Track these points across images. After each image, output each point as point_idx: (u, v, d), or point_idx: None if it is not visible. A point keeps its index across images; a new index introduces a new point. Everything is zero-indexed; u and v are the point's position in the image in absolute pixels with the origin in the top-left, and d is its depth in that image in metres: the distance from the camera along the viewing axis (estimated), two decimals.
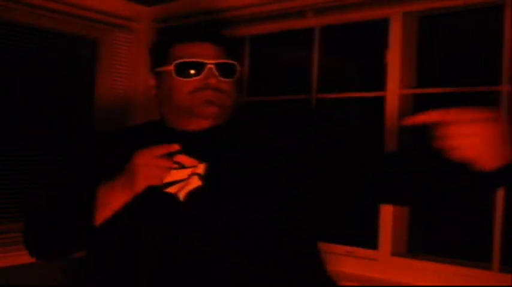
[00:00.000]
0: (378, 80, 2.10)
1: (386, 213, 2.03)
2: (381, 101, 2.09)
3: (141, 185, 1.14)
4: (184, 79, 1.20)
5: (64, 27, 2.45)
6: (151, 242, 1.16)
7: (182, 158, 1.19)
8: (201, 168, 1.18)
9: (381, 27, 2.09)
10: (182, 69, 1.20)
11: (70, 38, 2.52)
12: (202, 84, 1.19)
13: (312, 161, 1.21)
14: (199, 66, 1.19)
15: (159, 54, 1.27)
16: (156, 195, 1.17)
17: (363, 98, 2.33)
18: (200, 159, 1.19)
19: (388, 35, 2.06)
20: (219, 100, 1.20)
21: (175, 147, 1.14)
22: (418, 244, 2.14)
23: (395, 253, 2.03)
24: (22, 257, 2.19)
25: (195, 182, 1.17)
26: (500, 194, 1.82)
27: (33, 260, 1.28)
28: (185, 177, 1.18)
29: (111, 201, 1.16)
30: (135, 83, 2.71)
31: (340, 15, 2.14)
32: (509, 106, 1.83)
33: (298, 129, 1.26)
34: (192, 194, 1.16)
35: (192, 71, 1.19)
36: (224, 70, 1.21)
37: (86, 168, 1.29)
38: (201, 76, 1.19)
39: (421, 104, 2.10)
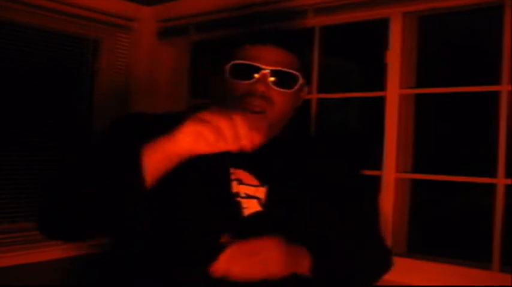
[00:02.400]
0: (378, 80, 2.10)
1: (387, 213, 2.03)
2: (381, 101, 2.09)
3: (183, 142, 0.97)
4: (236, 81, 1.12)
5: (64, 27, 2.45)
6: (195, 248, 1.09)
7: (242, 174, 1.14)
8: (261, 192, 1.14)
9: (381, 27, 2.10)
10: (236, 71, 1.13)
11: (70, 38, 2.52)
12: (251, 89, 1.11)
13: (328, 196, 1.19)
14: (253, 70, 1.11)
15: (224, 53, 1.19)
16: (219, 197, 1.12)
17: (363, 98, 2.33)
18: (255, 175, 1.14)
19: (388, 35, 2.06)
20: (266, 111, 1.11)
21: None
22: (418, 244, 2.14)
23: (395, 253, 2.02)
24: (22, 257, 2.20)
25: (255, 207, 1.13)
26: (500, 194, 1.82)
27: (32, 260, 1.25)
28: (243, 195, 1.14)
29: (150, 160, 0.98)
30: (135, 83, 2.71)
31: (340, 15, 2.14)
32: (509, 106, 1.83)
33: (337, 167, 1.23)
34: (251, 216, 1.13)
35: (245, 74, 1.11)
36: (281, 79, 1.11)
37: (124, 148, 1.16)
38: (251, 81, 1.11)
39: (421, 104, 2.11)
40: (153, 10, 2.71)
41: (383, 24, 2.08)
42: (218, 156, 1.07)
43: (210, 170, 1.14)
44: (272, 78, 1.11)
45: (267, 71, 1.11)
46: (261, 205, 1.14)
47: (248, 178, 1.15)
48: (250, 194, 1.14)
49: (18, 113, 2.36)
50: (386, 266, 1.30)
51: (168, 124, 1.02)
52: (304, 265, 1.08)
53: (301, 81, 1.15)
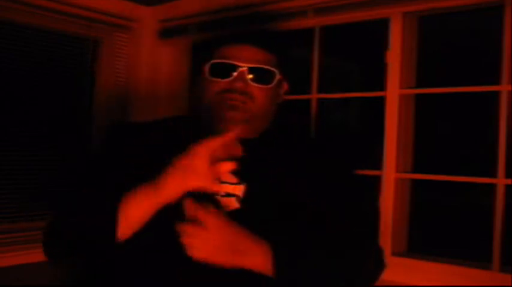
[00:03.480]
0: (378, 80, 2.10)
1: (387, 213, 2.04)
2: (381, 101, 2.09)
3: (170, 188, 1.05)
4: (215, 79, 1.17)
5: (64, 27, 2.45)
6: (175, 258, 1.09)
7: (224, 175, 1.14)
8: (239, 190, 1.15)
9: (381, 27, 2.10)
10: (215, 70, 1.18)
11: (70, 38, 2.52)
12: (230, 86, 1.15)
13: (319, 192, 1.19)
14: (231, 68, 1.16)
15: (204, 54, 1.23)
16: (197, 196, 1.11)
17: (363, 98, 2.33)
18: (236, 174, 1.15)
19: (388, 35, 2.06)
20: (245, 106, 1.16)
21: (230, 136, 1.07)
22: (418, 244, 2.14)
23: (395, 253, 2.03)
24: (22, 257, 2.20)
25: (233, 204, 1.15)
26: (500, 194, 1.82)
27: (32, 260, 1.26)
28: (222, 193, 1.15)
29: (131, 213, 1.06)
30: (135, 83, 2.71)
31: (340, 15, 2.14)
32: (509, 106, 1.83)
33: (325, 166, 1.23)
34: (229, 214, 1.12)
35: (224, 73, 1.16)
36: (259, 75, 1.16)
37: (116, 161, 1.22)
38: (230, 78, 1.15)
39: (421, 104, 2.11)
40: (153, 10, 2.71)
41: (383, 24, 2.08)
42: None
43: None
44: (250, 75, 1.16)
45: (245, 68, 1.15)
46: (239, 202, 1.15)
47: (228, 176, 1.15)
48: (229, 192, 1.16)
49: (18, 113, 2.37)
50: (376, 267, 1.26)
51: (154, 132, 1.14)
52: (257, 260, 1.07)
53: (278, 77, 1.20)
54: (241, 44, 1.18)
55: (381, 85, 2.09)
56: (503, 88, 1.83)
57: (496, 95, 1.86)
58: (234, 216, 1.12)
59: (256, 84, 1.16)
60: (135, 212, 1.07)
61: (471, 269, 1.86)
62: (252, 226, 1.11)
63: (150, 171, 1.11)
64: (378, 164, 2.07)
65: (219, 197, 1.15)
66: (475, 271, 1.85)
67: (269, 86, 1.18)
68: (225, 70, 1.16)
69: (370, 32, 2.28)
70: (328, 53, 2.32)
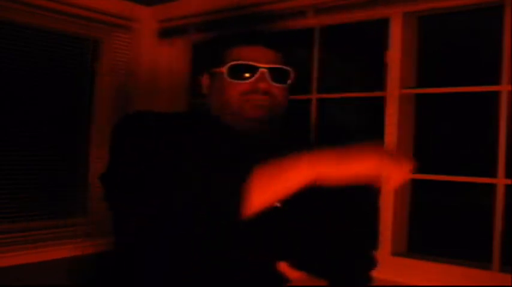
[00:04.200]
0: (378, 80, 2.10)
1: (387, 213, 2.04)
2: (381, 101, 2.09)
3: (300, 173, 1.03)
4: (236, 81, 1.19)
5: (64, 27, 2.45)
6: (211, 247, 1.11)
7: None
8: None
9: (381, 27, 2.10)
10: (235, 72, 1.20)
11: (70, 38, 2.52)
12: (253, 87, 1.19)
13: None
14: (251, 70, 1.19)
15: (214, 55, 1.26)
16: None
17: (363, 98, 2.33)
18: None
19: (388, 35, 2.06)
20: (269, 105, 1.19)
21: None
22: (418, 244, 2.14)
23: (395, 253, 2.03)
24: (22, 257, 2.20)
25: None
26: (500, 194, 1.82)
27: (32, 260, 1.24)
28: None
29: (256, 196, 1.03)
30: (135, 83, 2.71)
31: (340, 15, 2.14)
32: (509, 106, 1.83)
33: None
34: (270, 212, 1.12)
35: (245, 74, 1.19)
36: (277, 75, 1.21)
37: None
38: (252, 79, 1.19)
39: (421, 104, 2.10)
40: (153, 10, 2.71)
41: (383, 24, 2.08)
42: (234, 152, 1.15)
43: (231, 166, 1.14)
44: (272, 77, 1.20)
45: (265, 69, 1.19)
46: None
47: None
48: None
49: (18, 113, 2.37)
50: (367, 267, 1.30)
51: (175, 125, 1.12)
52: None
53: (293, 75, 1.24)
54: (254, 45, 1.22)
55: (381, 85, 2.09)
56: (503, 88, 1.83)
57: (496, 95, 1.86)
58: (277, 215, 1.13)
59: (276, 84, 1.20)
60: (260, 195, 1.04)
61: (471, 269, 1.86)
62: (290, 224, 1.15)
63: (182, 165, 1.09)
64: None
65: None
66: (475, 271, 1.85)
67: (288, 84, 1.23)
68: (245, 71, 1.19)
69: (370, 32, 2.28)
70: (328, 53, 2.32)
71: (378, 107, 2.10)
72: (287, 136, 1.30)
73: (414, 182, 2.10)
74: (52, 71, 2.47)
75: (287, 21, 2.27)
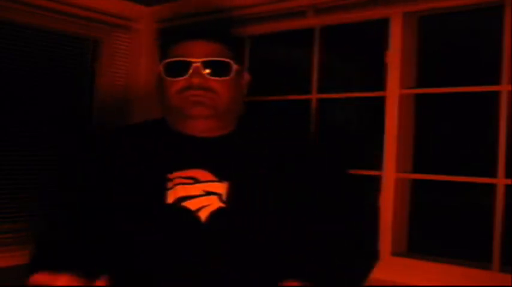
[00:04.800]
0: (378, 80, 2.10)
1: (387, 213, 2.04)
2: (381, 101, 2.09)
3: None
4: (171, 79, 1.16)
5: (64, 27, 2.45)
6: (162, 256, 1.09)
7: (198, 173, 1.14)
8: (221, 188, 1.13)
9: (381, 27, 2.10)
10: (170, 69, 1.17)
11: (70, 38, 2.52)
12: (188, 83, 1.14)
13: (304, 186, 1.19)
14: (185, 66, 1.14)
15: (160, 54, 1.24)
16: (172, 209, 1.11)
17: (363, 98, 2.33)
18: (213, 172, 1.14)
19: (388, 35, 2.06)
20: (209, 100, 1.14)
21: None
22: (418, 244, 2.14)
23: (395, 253, 2.03)
24: (22, 257, 2.20)
25: (216, 203, 1.12)
26: (500, 194, 1.82)
27: None
28: (199, 193, 1.12)
29: None
30: (135, 83, 2.71)
31: (340, 15, 2.14)
32: (509, 106, 1.83)
33: (303, 154, 1.22)
34: (214, 213, 1.11)
35: (179, 71, 1.15)
36: (215, 69, 1.15)
37: (87, 171, 1.22)
38: (186, 76, 1.14)
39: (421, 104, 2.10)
40: (153, 10, 2.71)
41: (383, 24, 2.08)
42: (158, 161, 1.14)
43: (147, 177, 1.15)
44: (207, 70, 1.14)
45: (198, 63, 1.14)
46: (222, 201, 1.13)
47: (205, 175, 1.14)
48: (209, 191, 1.13)
49: (18, 113, 2.37)
50: (369, 264, 1.27)
51: (130, 139, 1.15)
52: None
53: (235, 67, 1.18)
54: (192, 40, 1.17)
55: (381, 85, 2.09)
56: (503, 88, 1.83)
57: (496, 95, 1.86)
58: (219, 215, 1.11)
59: (214, 78, 1.15)
60: None
61: (471, 269, 1.86)
62: (240, 225, 1.11)
63: (119, 178, 1.14)
64: (378, 164, 2.07)
65: (193, 199, 1.13)
66: (475, 271, 1.85)
67: (227, 77, 1.17)
68: (180, 68, 1.15)
69: (370, 32, 2.28)
70: (328, 53, 2.32)
71: (377, 107, 2.10)
72: (253, 134, 1.25)
73: (414, 182, 2.10)
74: (52, 71, 2.47)
75: (287, 21, 2.27)
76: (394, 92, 2.04)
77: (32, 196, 2.38)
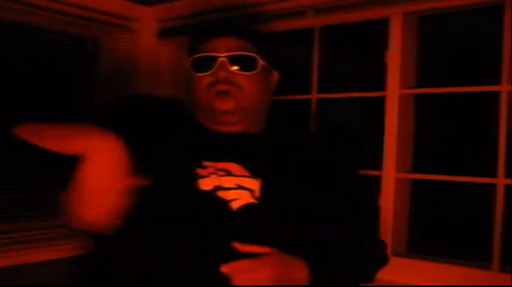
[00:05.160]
0: (378, 80, 2.10)
1: (387, 213, 2.04)
2: (381, 101, 2.09)
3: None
4: (200, 74, 1.18)
5: (64, 27, 2.45)
6: (190, 241, 1.09)
7: (231, 166, 1.15)
8: (254, 184, 1.13)
9: (381, 27, 2.10)
10: (197, 65, 1.18)
11: (70, 38, 2.52)
12: (215, 77, 1.16)
13: (334, 189, 1.21)
14: (211, 61, 1.16)
15: (188, 52, 1.25)
16: (207, 195, 1.12)
17: (363, 98, 2.33)
18: (246, 167, 1.15)
19: (388, 35, 2.06)
20: (235, 94, 1.15)
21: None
22: (418, 244, 2.14)
23: (395, 253, 2.03)
24: (22, 257, 2.20)
25: (247, 198, 1.13)
26: (500, 194, 1.82)
27: (32, 260, 1.24)
28: (232, 185, 1.13)
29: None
30: (135, 83, 2.71)
31: (340, 15, 2.14)
32: (509, 106, 1.83)
33: (333, 155, 1.25)
34: (243, 207, 1.12)
35: (205, 66, 1.17)
36: (241, 63, 1.16)
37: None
38: (213, 70, 1.16)
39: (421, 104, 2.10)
40: (153, 10, 2.71)
41: (383, 24, 2.08)
42: (189, 151, 1.14)
43: (179, 165, 1.15)
44: (233, 66, 1.16)
45: (224, 58, 1.15)
46: (254, 197, 1.13)
47: (238, 169, 1.15)
48: (242, 185, 1.14)
49: (18, 113, 2.36)
50: (383, 262, 1.31)
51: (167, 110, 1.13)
52: (301, 278, 1.10)
53: (261, 62, 1.19)
54: (219, 37, 1.19)
55: (381, 85, 2.09)
56: (503, 88, 1.83)
57: (496, 95, 1.86)
58: (250, 209, 1.11)
59: (240, 72, 1.16)
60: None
61: (471, 269, 1.86)
62: (270, 223, 1.12)
63: (144, 168, 1.09)
64: (378, 164, 2.07)
65: (224, 192, 1.13)
66: (475, 271, 1.85)
67: (253, 72, 1.18)
68: (207, 64, 1.16)
69: (370, 32, 2.28)
70: (328, 53, 2.32)
71: (378, 107, 2.10)
72: (284, 133, 1.26)
73: (414, 182, 2.10)
74: (52, 71, 2.47)
75: (287, 21, 2.27)
76: (394, 92, 2.04)
77: (32, 196, 2.37)
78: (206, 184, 1.12)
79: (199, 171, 1.14)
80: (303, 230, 1.14)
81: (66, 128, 1.03)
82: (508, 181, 1.81)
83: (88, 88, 2.61)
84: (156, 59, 2.75)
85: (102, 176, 0.95)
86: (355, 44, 2.41)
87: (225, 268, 1.04)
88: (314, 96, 2.27)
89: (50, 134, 1.01)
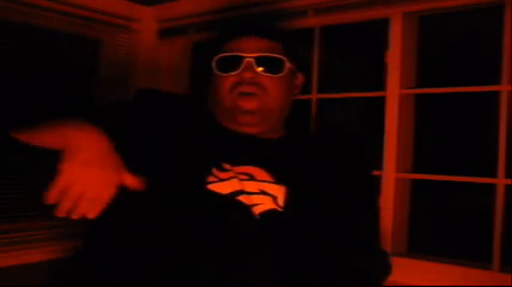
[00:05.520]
0: (378, 80, 2.10)
1: (387, 213, 2.03)
2: (381, 101, 2.09)
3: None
4: (224, 74, 1.14)
5: (64, 27, 2.45)
6: (208, 244, 1.05)
7: (254, 171, 1.11)
8: (278, 190, 1.10)
9: (381, 27, 2.10)
10: (222, 65, 1.14)
11: (70, 38, 2.52)
12: (240, 78, 1.12)
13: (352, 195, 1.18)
14: (237, 61, 1.12)
15: (211, 51, 1.21)
16: (227, 200, 1.08)
17: (363, 98, 2.33)
18: (270, 173, 1.11)
19: (388, 35, 2.06)
20: (260, 96, 1.12)
21: None
22: (418, 244, 2.14)
23: (395, 253, 2.03)
24: (22, 257, 2.20)
25: (269, 204, 1.09)
26: (500, 194, 1.82)
27: (32, 260, 1.24)
28: (255, 190, 1.10)
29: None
30: (135, 83, 2.70)
31: (340, 15, 2.14)
32: (509, 106, 1.83)
33: (350, 162, 1.23)
34: (265, 213, 1.09)
35: (231, 66, 1.13)
36: (268, 65, 1.13)
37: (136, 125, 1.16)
38: (238, 70, 1.12)
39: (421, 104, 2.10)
40: (153, 10, 2.71)
41: (383, 24, 2.08)
42: (208, 152, 1.10)
43: (198, 166, 1.11)
44: (259, 67, 1.12)
45: (251, 58, 1.11)
46: (277, 203, 1.10)
47: (261, 174, 1.12)
48: (266, 191, 1.10)
49: (18, 114, 2.36)
50: (387, 272, 1.29)
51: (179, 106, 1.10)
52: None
53: (288, 65, 1.16)
54: (245, 37, 1.15)
55: (381, 85, 2.09)
56: (503, 88, 1.83)
57: (496, 95, 1.86)
58: (272, 216, 1.08)
59: (266, 74, 1.13)
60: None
61: (471, 269, 1.86)
62: (293, 231, 1.08)
63: (172, 155, 1.08)
64: (378, 164, 2.07)
65: (248, 195, 1.09)
66: (475, 271, 1.85)
67: (280, 75, 1.14)
68: (233, 64, 1.13)
69: (370, 32, 2.28)
70: (328, 53, 2.32)
71: (378, 107, 2.10)
72: (306, 139, 1.24)
73: (414, 182, 2.10)
74: (52, 72, 2.47)
75: (287, 21, 2.27)
76: (394, 92, 2.04)
77: (32, 196, 2.37)
78: (226, 187, 1.09)
79: (218, 173, 1.10)
80: (325, 240, 1.10)
81: (49, 123, 1.02)
82: (508, 181, 1.81)
83: (88, 88, 2.60)
84: (156, 59, 2.75)
85: (80, 166, 0.95)
86: (355, 44, 2.41)
87: None
88: (314, 96, 2.27)
89: (35, 129, 1.00)
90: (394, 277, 1.97)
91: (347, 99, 2.39)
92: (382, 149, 2.06)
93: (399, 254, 2.03)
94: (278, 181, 1.12)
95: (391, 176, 2.03)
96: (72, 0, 2.39)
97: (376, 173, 2.07)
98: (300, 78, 1.26)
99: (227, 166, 1.11)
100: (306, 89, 2.30)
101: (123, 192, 1.04)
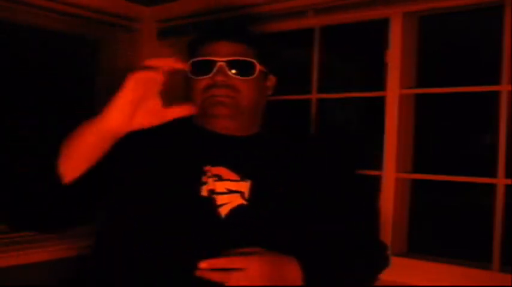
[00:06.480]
0: (378, 80, 2.10)
1: (387, 213, 2.03)
2: (381, 101, 2.09)
3: (114, 118, 1.05)
4: (197, 78, 1.19)
5: (64, 27, 2.45)
6: (179, 247, 1.11)
7: (221, 171, 1.16)
8: (243, 186, 1.16)
9: (381, 27, 2.10)
10: (196, 68, 1.20)
11: (70, 38, 2.52)
12: (212, 81, 1.17)
13: (322, 191, 1.21)
14: (210, 65, 1.18)
15: (187, 55, 1.27)
16: (193, 199, 1.14)
17: (363, 98, 2.33)
18: (236, 171, 1.17)
19: (388, 35, 2.06)
20: (230, 100, 1.17)
21: None
22: (418, 244, 2.14)
23: (395, 253, 2.03)
24: (22, 257, 2.20)
25: (237, 200, 1.15)
26: (500, 194, 1.82)
27: (32, 260, 1.26)
28: (223, 190, 1.15)
29: (74, 149, 1.08)
30: None
31: (340, 15, 2.14)
32: (509, 106, 1.83)
33: (322, 157, 1.26)
34: (233, 210, 1.14)
35: (204, 70, 1.18)
36: (239, 68, 1.18)
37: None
38: (211, 74, 1.17)
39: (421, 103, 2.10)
40: (153, 10, 2.71)
41: (383, 24, 2.08)
42: (190, 155, 1.15)
43: (179, 169, 1.17)
44: (232, 70, 1.17)
45: (223, 62, 1.17)
46: (245, 199, 1.15)
47: (228, 173, 1.17)
48: (232, 189, 1.15)
49: (18, 113, 2.36)
50: (384, 264, 1.31)
51: (156, 131, 1.10)
52: (294, 277, 1.10)
53: (259, 68, 1.20)
54: (218, 41, 1.20)
55: (381, 85, 2.09)
56: (503, 88, 1.83)
57: (496, 95, 1.86)
58: (239, 211, 1.13)
59: (237, 77, 1.17)
60: (78, 147, 1.09)
61: (471, 269, 1.86)
62: (259, 222, 1.13)
63: (144, 170, 1.14)
64: (378, 164, 2.07)
65: (215, 196, 1.15)
66: (475, 271, 1.85)
67: (251, 77, 1.19)
68: (206, 67, 1.18)
69: (370, 32, 2.29)
70: (328, 53, 2.32)
71: (378, 107, 2.10)
72: (277, 136, 1.27)
73: (414, 182, 2.10)
74: (52, 72, 2.47)
75: (287, 21, 2.27)
76: (394, 92, 2.04)
77: None
78: (204, 189, 1.15)
79: (202, 178, 1.16)
80: (293, 230, 1.15)
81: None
82: (508, 181, 1.81)
83: (88, 88, 2.60)
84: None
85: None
86: (355, 44, 2.41)
87: (202, 264, 1.05)
88: (314, 96, 2.27)
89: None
90: (394, 277, 1.97)
91: (347, 99, 2.39)
92: (382, 149, 2.06)
93: (399, 254, 2.03)
94: (244, 177, 1.17)
95: (391, 176, 2.03)
96: (72, 0, 2.39)
97: (376, 173, 2.07)
98: (272, 79, 1.30)
99: (207, 168, 1.17)
100: (306, 89, 2.30)
101: (122, 193, 1.08)
